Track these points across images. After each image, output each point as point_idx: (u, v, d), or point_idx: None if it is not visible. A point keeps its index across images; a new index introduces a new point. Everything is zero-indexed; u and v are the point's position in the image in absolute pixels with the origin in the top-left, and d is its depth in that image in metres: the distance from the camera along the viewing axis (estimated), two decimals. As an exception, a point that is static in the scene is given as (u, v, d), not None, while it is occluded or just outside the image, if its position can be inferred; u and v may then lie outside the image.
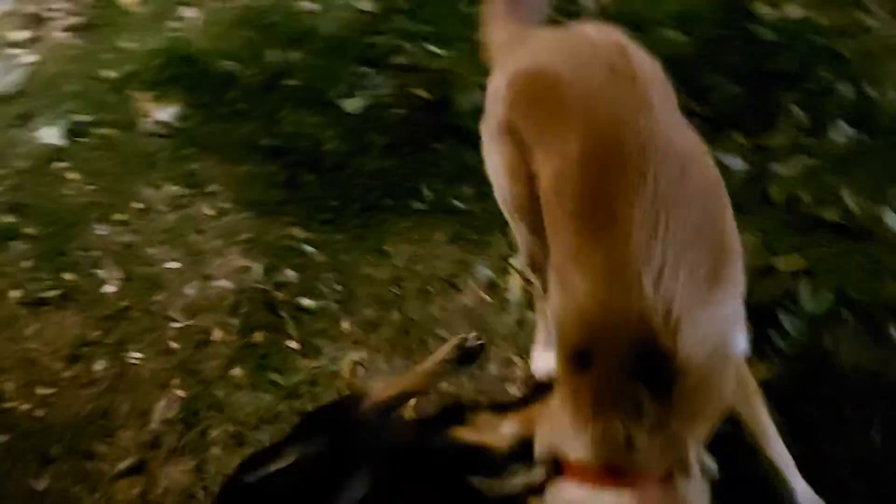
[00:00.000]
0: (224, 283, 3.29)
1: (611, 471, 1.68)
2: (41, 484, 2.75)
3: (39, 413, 2.95)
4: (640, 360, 1.63)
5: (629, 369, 1.65)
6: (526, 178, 2.14)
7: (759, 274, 2.97)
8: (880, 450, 2.55)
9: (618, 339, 1.66)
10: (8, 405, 2.98)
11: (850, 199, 3.21)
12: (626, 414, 1.65)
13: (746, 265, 1.95)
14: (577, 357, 1.73)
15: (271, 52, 4.29)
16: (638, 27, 3.90)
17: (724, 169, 3.29)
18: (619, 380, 1.67)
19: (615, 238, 1.70)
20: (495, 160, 2.35)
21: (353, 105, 3.95)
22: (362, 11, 4.45)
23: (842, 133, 3.42)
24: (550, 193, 1.95)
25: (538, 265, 2.43)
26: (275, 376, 2.97)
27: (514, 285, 3.16)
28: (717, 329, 1.72)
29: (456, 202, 3.48)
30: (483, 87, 3.77)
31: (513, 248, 3.29)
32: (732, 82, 3.67)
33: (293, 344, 3.07)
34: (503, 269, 3.23)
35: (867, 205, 3.18)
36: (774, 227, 3.18)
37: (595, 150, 1.85)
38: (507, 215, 2.46)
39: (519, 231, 2.44)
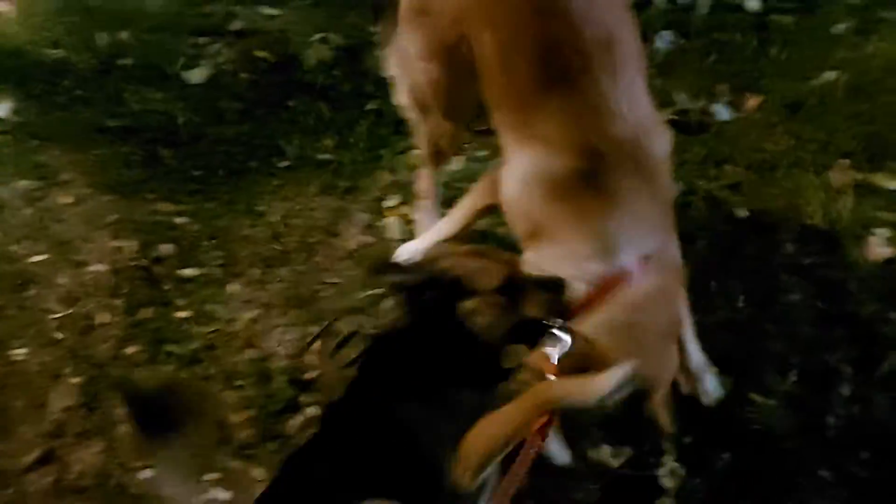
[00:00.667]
0: (98, 267, 3.22)
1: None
2: (-54, 492, 2.64)
3: (-73, 424, 2.81)
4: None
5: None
6: (445, 56, 2.41)
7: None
8: (744, 315, 2.85)
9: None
10: None
11: (680, 99, 3.50)
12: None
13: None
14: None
15: (100, 35, 4.16)
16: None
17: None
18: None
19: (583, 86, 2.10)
20: (413, 44, 2.52)
21: (197, 76, 3.92)
22: (189, -18, 4.39)
23: (664, 41, 3.71)
24: (496, 61, 2.22)
25: (443, 154, 2.84)
26: (171, 347, 2.96)
27: (392, 223, 3.26)
28: (665, 138, 2.25)
29: (320, 155, 3.54)
30: (325, 41, 3.88)
31: (385, 190, 3.41)
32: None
33: (183, 314, 3.06)
34: (378, 210, 3.33)
35: (698, 102, 3.48)
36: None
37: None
38: (413, 110, 2.70)
39: (428, 121, 2.68)
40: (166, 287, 3.15)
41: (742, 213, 3.16)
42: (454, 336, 2.00)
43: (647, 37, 3.72)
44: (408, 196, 3.35)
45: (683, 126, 3.43)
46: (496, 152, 3.41)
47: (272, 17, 4.14)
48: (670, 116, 3.45)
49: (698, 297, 2.66)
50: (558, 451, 2.51)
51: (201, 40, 4.07)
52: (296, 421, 2.73)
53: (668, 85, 3.56)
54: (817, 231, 3.06)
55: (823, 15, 3.77)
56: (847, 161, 3.24)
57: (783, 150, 3.32)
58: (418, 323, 2.03)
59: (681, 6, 3.83)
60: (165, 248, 3.27)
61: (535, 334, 2.10)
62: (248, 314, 3.04)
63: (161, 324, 3.04)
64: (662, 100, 3.50)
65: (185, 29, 4.14)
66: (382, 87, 3.72)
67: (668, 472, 2.51)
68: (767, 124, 3.42)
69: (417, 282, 2.05)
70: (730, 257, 3.02)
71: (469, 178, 3.35)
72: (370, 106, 3.68)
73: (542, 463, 2.51)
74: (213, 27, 4.14)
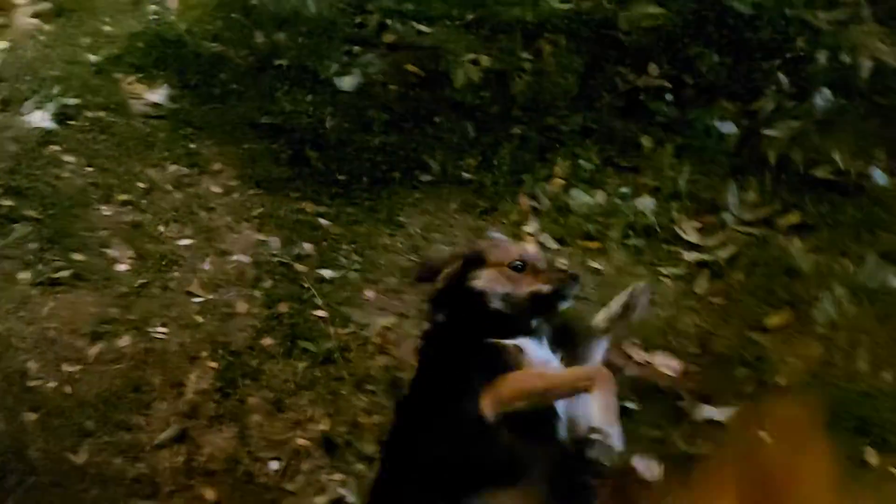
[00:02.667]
0: (241, 258, 3.30)
1: None
2: (80, 458, 2.72)
3: (67, 389, 2.90)
4: None
5: None
6: None
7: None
8: None
9: None
10: (33, 383, 2.92)
11: (839, 158, 3.41)
12: None
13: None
14: None
15: (258, 33, 4.29)
16: (621, 2, 4.09)
17: (718, 134, 3.53)
18: None
19: None
20: None
21: (348, 83, 4.00)
22: (344, -8, 4.50)
23: (824, 98, 3.64)
24: None
25: None
26: (306, 344, 3.01)
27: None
28: None
29: (463, 173, 3.57)
30: (475, 62, 3.92)
31: (523, 216, 3.42)
32: (717, 52, 3.85)
33: (320, 313, 3.11)
34: (515, 234, 3.33)
35: (855, 163, 3.39)
36: (770, 187, 3.37)
37: None
38: None
39: None
40: (305, 285, 3.20)
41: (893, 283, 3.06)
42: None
43: (806, 91, 3.67)
44: (546, 224, 3.35)
45: (840, 187, 3.36)
46: (639, 190, 3.44)
47: (424, 33, 4.20)
48: (826, 175, 3.38)
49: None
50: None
51: (355, 49, 4.16)
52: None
53: (826, 143, 3.48)
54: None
55: None
56: None
57: (943, 223, 3.20)
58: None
59: (844, 64, 3.74)
60: (306, 247, 3.33)
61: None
62: (384, 321, 3.07)
63: (298, 320, 3.09)
64: (818, 157, 3.44)
65: (339, 36, 4.23)
66: (529, 111, 3.77)
67: None
68: (928, 194, 3.31)
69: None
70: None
71: (610, 213, 3.35)
72: (515, 130, 3.70)
73: None
74: (367, 37, 4.23)
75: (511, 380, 2.29)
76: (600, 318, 2.59)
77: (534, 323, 2.46)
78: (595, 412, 2.29)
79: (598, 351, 2.59)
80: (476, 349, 2.35)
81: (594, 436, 2.25)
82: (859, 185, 3.36)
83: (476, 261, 2.48)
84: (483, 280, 2.46)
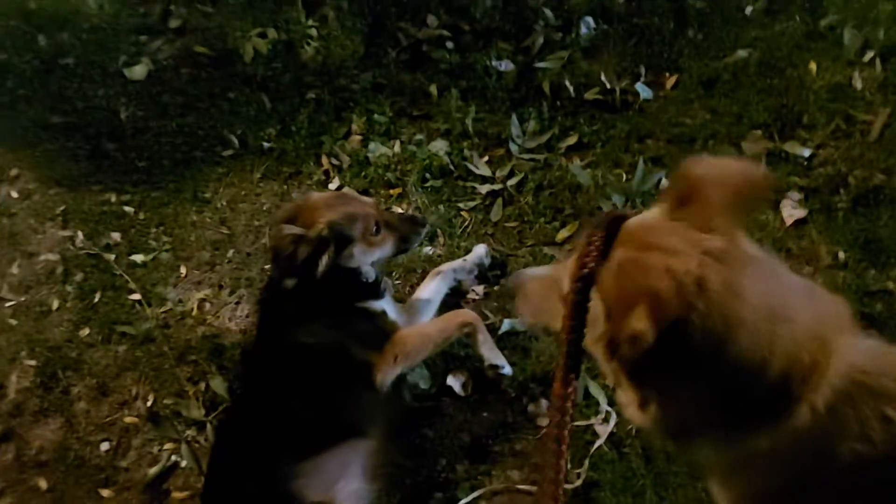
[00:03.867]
0: (49, 256, 3.31)
1: None
2: None
3: None
4: None
5: None
6: None
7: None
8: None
9: None
10: None
11: (605, 79, 3.70)
12: None
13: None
14: None
15: (40, 36, 4.23)
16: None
17: (497, 73, 3.75)
18: None
19: None
20: None
21: (139, 72, 4.02)
22: (125, -16, 4.49)
23: (587, 26, 3.92)
24: None
25: None
26: (124, 328, 3.06)
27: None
28: None
29: (264, 143, 3.67)
30: (262, 35, 3.99)
31: (328, 174, 3.55)
32: (488, -2, 4.08)
33: (135, 297, 3.16)
34: (322, 189, 3.47)
35: (621, 82, 3.69)
36: (548, 114, 3.63)
37: None
38: None
39: None
40: (117, 272, 3.24)
41: (664, 183, 3.36)
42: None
43: (571, 22, 3.95)
44: (347, 179, 3.50)
45: (608, 105, 3.64)
46: (432, 135, 3.63)
47: (209, 14, 4.25)
48: (595, 96, 3.66)
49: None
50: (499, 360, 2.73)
51: (142, 38, 4.18)
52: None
53: (593, 67, 3.77)
54: (733, 196, 3.27)
55: (735, -2, 4.01)
56: (759, 132, 3.47)
57: (700, 124, 3.53)
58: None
59: (602, -7, 4.04)
60: (115, 236, 3.37)
61: None
62: (199, 294, 3.15)
63: (113, 307, 3.14)
64: (587, 81, 3.72)
65: (124, 27, 4.24)
66: (321, 76, 3.89)
67: (602, 419, 2.69)
68: (685, 101, 3.63)
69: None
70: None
71: (407, 160, 3.53)
72: (310, 95, 3.82)
73: (484, 420, 2.69)
74: (153, 25, 4.25)
75: (402, 343, 2.50)
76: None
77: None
78: (484, 351, 2.70)
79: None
80: (347, 315, 2.48)
81: (493, 371, 2.68)
82: (626, 101, 3.65)
83: (346, 239, 2.50)
84: (356, 256, 2.53)
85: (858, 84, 3.58)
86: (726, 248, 1.43)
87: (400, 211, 3.08)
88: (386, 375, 2.45)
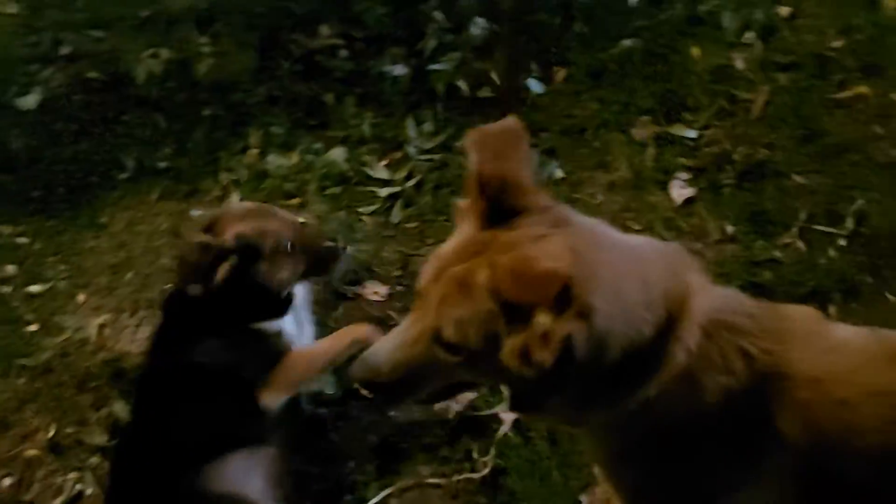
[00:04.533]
0: (-58, 295, 3.23)
1: None
2: None
3: None
4: None
5: None
6: None
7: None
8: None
9: None
10: None
11: (497, 77, 3.76)
12: None
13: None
14: None
15: (-75, 71, 4.14)
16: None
17: (392, 77, 3.79)
18: None
19: None
20: None
21: (30, 101, 3.97)
22: (10, 14, 4.41)
23: (479, 27, 3.98)
24: None
25: None
26: (23, 360, 3.00)
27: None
28: None
29: (159, 163, 3.64)
30: (155, 56, 3.97)
31: (226, 189, 3.54)
32: (380, 4, 4.11)
33: (33, 328, 3.11)
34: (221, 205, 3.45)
35: (509, 79, 3.75)
36: (443, 115, 3.68)
37: None
38: None
39: None
40: (14, 304, 3.19)
41: (559, 174, 3.43)
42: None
43: (462, 24, 4.01)
44: (247, 192, 3.49)
45: (499, 102, 3.70)
46: (329, 143, 3.64)
47: (100, 39, 4.22)
48: (488, 94, 3.72)
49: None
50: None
51: (32, 68, 4.11)
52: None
53: (485, 66, 3.83)
54: (625, 181, 3.37)
55: (620, -10, 4.12)
56: (647, 117, 3.57)
57: (590, 115, 3.62)
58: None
59: (490, -6, 4.11)
60: (10, 269, 3.31)
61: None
62: (98, 320, 3.11)
63: (11, 340, 3.08)
64: (479, 80, 3.78)
65: (14, 57, 4.17)
66: (215, 92, 3.88)
67: (507, 406, 2.73)
68: (575, 92, 3.72)
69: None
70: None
71: (305, 169, 3.54)
72: (205, 112, 3.81)
73: (391, 420, 2.71)
74: (43, 54, 4.20)
75: (291, 368, 2.44)
76: None
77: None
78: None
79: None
80: (242, 336, 2.42)
81: None
82: (518, 97, 3.72)
83: (253, 253, 2.39)
84: (264, 273, 2.42)
85: (740, 64, 3.71)
86: (561, 219, 1.48)
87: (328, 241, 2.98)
88: (273, 401, 2.42)
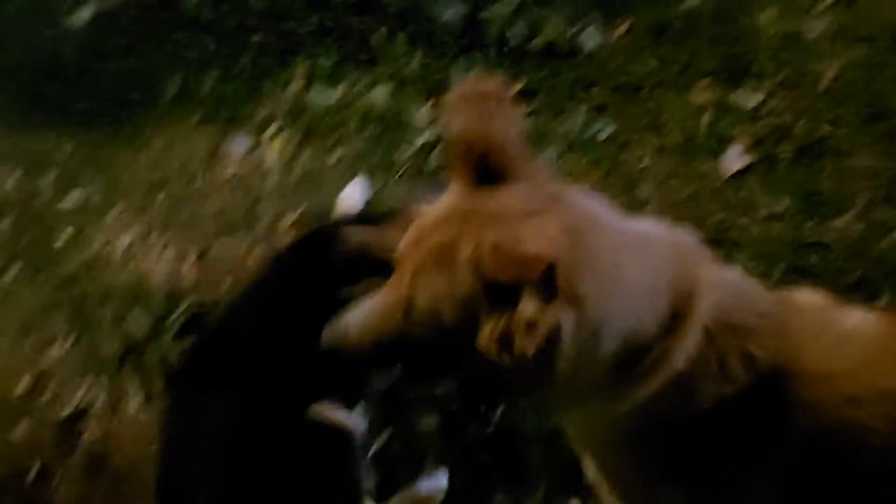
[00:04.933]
0: (-19, 196, 3.28)
1: None
2: None
3: None
4: None
5: None
6: None
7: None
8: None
9: None
10: None
11: (554, 27, 3.61)
12: None
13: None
14: None
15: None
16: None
17: (445, 18, 3.67)
18: None
19: None
20: None
21: (83, 16, 3.95)
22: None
23: (541, -28, 3.82)
24: None
25: None
26: (50, 268, 3.03)
27: (273, 149, 3.35)
28: None
29: (203, 86, 3.61)
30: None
31: (265, 119, 3.49)
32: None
33: (63, 239, 3.13)
34: (258, 138, 3.41)
35: (570, 29, 3.60)
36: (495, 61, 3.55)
37: None
38: None
39: None
40: (49, 214, 3.21)
41: (606, 133, 3.29)
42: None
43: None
44: (287, 123, 3.44)
45: (557, 52, 3.56)
46: (377, 79, 3.56)
47: (158, -42, 4.16)
48: (542, 43, 3.58)
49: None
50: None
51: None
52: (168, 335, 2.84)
53: (543, 14, 3.67)
54: (675, 145, 3.22)
55: (693, -55, 3.90)
56: (708, 80, 3.39)
57: (648, 73, 3.44)
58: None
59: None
60: (47, 179, 3.33)
61: None
62: (127, 238, 3.12)
63: (42, 249, 3.11)
64: (537, 28, 3.63)
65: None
66: (267, 18, 3.82)
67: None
68: (635, 48, 3.54)
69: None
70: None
71: (347, 106, 3.47)
72: (255, 38, 3.75)
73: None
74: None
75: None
76: None
77: None
78: None
79: None
80: None
81: None
82: (574, 48, 3.57)
83: None
84: None
85: (811, 34, 3.49)
86: (556, 195, 1.35)
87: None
88: None
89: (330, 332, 1.49)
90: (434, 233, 1.35)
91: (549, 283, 1.19)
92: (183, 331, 2.81)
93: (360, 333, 1.46)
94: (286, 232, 3.10)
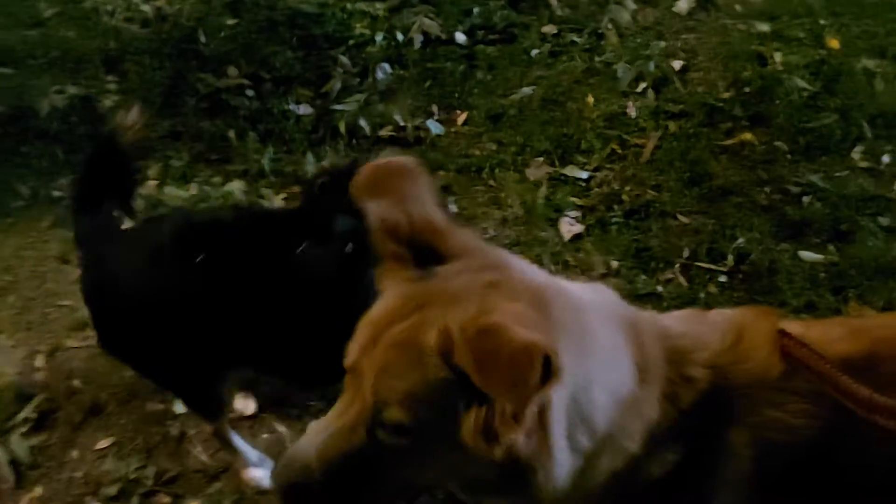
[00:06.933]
0: None
1: None
2: None
3: None
4: None
5: None
6: None
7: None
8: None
9: None
10: None
11: (399, 118, 3.85)
12: None
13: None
14: None
15: None
16: (199, 18, 4.35)
17: (296, 116, 3.84)
18: None
19: None
20: None
21: (-71, 131, 3.91)
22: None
23: (384, 71, 4.09)
24: None
25: None
26: None
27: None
28: None
29: (54, 192, 3.61)
30: (60, 92, 3.97)
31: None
32: (289, 48, 4.20)
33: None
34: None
35: (414, 120, 3.85)
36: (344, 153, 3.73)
37: None
38: None
39: None
40: None
41: (453, 209, 3.49)
42: None
43: (368, 69, 4.10)
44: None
45: (403, 141, 3.78)
46: (229, 176, 3.66)
47: (8, 75, 4.21)
48: (390, 133, 3.80)
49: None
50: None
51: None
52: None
53: (388, 108, 3.91)
54: (516, 217, 3.44)
55: (521, 42, 4.25)
56: (542, 159, 3.67)
57: (487, 155, 3.71)
58: None
59: (398, 42, 4.23)
60: None
61: None
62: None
63: None
64: (383, 121, 3.86)
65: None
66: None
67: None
68: (474, 134, 3.82)
69: None
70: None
71: (201, 200, 3.54)
72: (105, 145, 3.80)
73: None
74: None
75: None
76: None
77: None
78: None
79: None
80: None
81: None
82: (419, 137, 3.80)
83: None
84: None
85: (633, 112, 3.85)
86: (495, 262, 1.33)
87: None
88: None
89: (282, 469, 1.33)
90: (390, 328, 1.25)
91: (546, 370, 1.11)
92: (34, 428, 2.76)
93: (324, 461, 1.28)
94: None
